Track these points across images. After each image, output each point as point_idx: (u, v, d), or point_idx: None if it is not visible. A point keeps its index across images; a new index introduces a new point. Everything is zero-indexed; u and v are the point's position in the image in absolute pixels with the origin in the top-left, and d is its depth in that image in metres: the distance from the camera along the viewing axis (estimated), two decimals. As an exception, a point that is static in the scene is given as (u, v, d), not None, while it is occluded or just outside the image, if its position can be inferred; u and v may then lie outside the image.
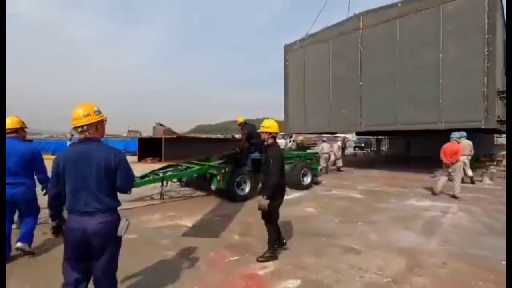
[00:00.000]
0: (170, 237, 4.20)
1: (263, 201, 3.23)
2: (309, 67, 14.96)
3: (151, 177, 6.55)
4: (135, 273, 3.05)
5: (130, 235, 4.26)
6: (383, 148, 30.17)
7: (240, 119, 7.51)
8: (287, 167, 8.15)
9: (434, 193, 7.20)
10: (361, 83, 12.70)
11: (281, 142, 39.84)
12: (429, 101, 10.76)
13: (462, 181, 7.71)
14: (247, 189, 6.79)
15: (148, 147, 4.92)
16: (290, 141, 36.98)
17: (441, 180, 7.24)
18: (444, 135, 8.31)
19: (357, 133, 22.99)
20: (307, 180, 8.31)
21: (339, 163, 12.71)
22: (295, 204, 6.28)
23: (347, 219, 5.11)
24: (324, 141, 13.00)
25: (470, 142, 8.83)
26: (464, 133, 8.04)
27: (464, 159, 8.28)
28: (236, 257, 3.49)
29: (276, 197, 3.32)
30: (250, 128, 7.21)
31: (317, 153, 9.54)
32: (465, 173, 8.36)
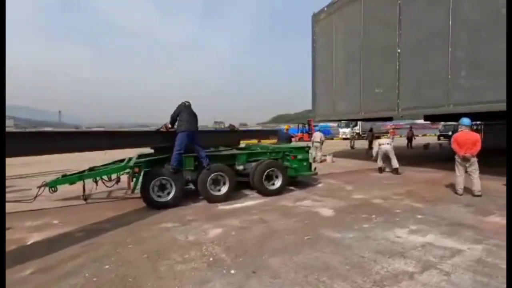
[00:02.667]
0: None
1: None
2: (337, 38, 12.02)
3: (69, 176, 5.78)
4: None
5: None
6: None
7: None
8: (252, 164, 6.36)
9: (459, 194, 5.82)
10: (399, 50, 9.35)
11: (344, 131, 35.65)
12: (499, 67, 6.95)
13: None
14: (172, 194, 5.34)
15: None
16: (354, 130, 32.25)
17: (460, 178, 5.86)
18: None
19: (426, 118, 17.32)
20: (277, 183, 6.25)
21: (395, 162, 8.69)
22: (211, 220, 4.54)
23: (227, 260, 3.16)
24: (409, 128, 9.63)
25: None
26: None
27: None
28: None
29: None
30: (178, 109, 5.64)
31: (306, 147, 7.19)
32: None
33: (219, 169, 5.71)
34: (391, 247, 3.43)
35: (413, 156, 13.90)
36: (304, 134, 31.67)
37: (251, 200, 5.83)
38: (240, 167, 6.32)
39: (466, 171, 5.87)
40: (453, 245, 3.43)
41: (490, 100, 7.16)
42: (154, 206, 5.20)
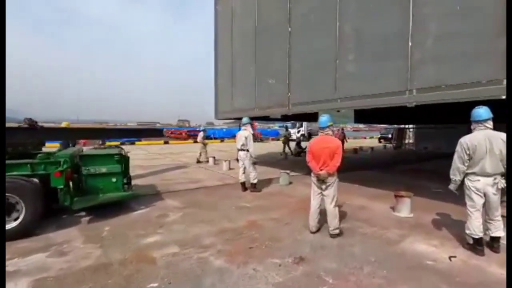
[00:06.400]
0: None
1: None
2: (236, 17, 9.78)
3: None
4: None
5: None
6: (410, 141, 22.87)
7: None
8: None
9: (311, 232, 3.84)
10: (290, 29, 7.28)
11: (289, 132, 34.13)
12: (385, 47, 5.11)
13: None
14: None
15: None
16: (298, 132, 30.62)
17: (314, 207, 3.82)
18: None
19: (357, 118, 15.08)
20: (18, 219, 3.65)
21: (252, 174, 6.25)
22: None
23: None
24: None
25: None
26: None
27: None
28: None
29: None
30: None
31: (116, 154, 4.69)
32: None
33: None
34: None
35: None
36: (246, 134, 29.51)
37: None
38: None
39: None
40: None
41: (372, 93, 5.29)
42: None
